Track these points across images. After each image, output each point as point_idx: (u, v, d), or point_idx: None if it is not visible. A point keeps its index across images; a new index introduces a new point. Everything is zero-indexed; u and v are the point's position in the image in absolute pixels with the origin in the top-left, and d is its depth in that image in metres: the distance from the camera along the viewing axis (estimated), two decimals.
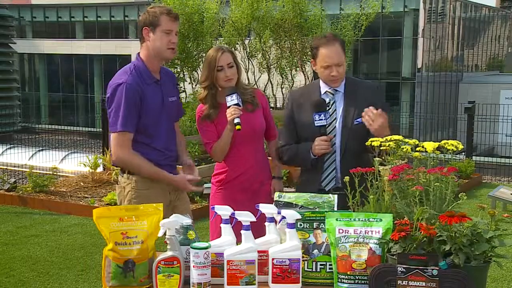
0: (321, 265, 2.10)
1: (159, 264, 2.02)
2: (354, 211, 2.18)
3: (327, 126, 3.03)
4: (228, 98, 3.16)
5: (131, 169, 3.08)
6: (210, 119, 3.30)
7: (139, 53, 3.12)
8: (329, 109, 3.08)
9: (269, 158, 3.52)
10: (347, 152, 3.00)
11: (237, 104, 3.14)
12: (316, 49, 3.07)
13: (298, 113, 3.16)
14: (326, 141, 3.01)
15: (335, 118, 3.07)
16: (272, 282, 2.02)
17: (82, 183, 8.23)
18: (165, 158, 3.14)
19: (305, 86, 3.23)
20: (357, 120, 2.99)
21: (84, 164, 8.44)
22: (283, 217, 2.06)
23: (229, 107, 3.15)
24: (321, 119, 3.00)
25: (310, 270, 2.10)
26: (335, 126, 3.07)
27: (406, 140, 2.34)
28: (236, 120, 3.12)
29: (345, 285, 1.98)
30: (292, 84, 10.77)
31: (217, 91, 3.29)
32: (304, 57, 10.46)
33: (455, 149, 2.24)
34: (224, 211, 2.12)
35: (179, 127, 3.45)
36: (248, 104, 3.30)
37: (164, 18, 3.01)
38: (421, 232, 1.91)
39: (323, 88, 3.13)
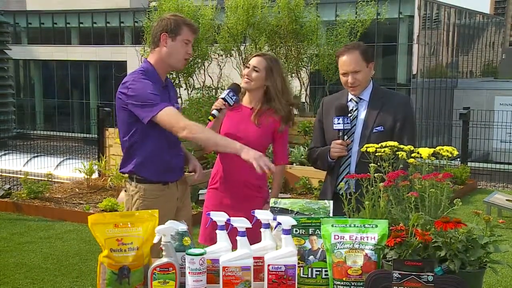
0: (316, 271, 2.10)
1: (154, 271, 2.01)
2: (349, 217, 2.18)
3: (345, 130, 3.09)
4: (224, 91, 3.26)
5: (201, 139, 2.91)
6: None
7: (146, 58, 3.13)
8: (350, 116, 3.14)
9: (270, 167, 3.50)
10: (363, 158, 3.03)
11: (223, 99, 3.21)
12: (338, 57, 3.18)
13: (326, 117, 3.25)
14: (341, 145, 3.08)
15: (355, 125, 3.14)
16: None
17: (77, 190, 8.21)
18: (176, 158, 3.13)
19: (337, 92, 3.30)
20: (377, 128, 3.08)
21: (80, 170, 8.42)
22: (279, 223, 2.06)
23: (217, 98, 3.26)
24: (339, 123, 3.08)
25: (306, 276, 2.10)
26: (353, 132, 3.13)
27: (402, 146, 2.34)
28: (214, 112, 3.19)
29: None
30: None
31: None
32: (300, 63, 10.48)
33: (450, 155, 2.24)
34: (219, 217, 2.12)
35: None
36: (255, 117, 3.33)
37: (186, 28, 3.04)
38: (416, 238, 1.91)
39: (350, 95, 3.21)
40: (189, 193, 3.36)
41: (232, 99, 3.22)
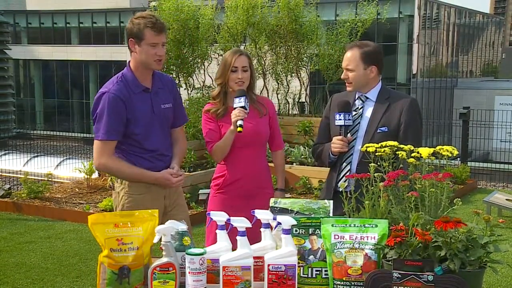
0: (316, 271, 2.10)
1: (154, 270, 2.01)
2: (349, 217, 2.18)
3: (347, 127, 3.11)
4: (236, 100, 3.21)
5: (113, 174, 3.13)
6: (217, 116, 3.33)
7: (129, 61, 3.13)
8: (355, 114, 3.16)
9: (271, 164, 3.51)
10: (365, 157, 3.03)
11: (243, 107, 3.18)
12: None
13: (332, 114, 3.27)
14: (341, 141, 3.09)
15: (359, 123, 3.15)
16: None
17: (77, 189, 8.21)
18: (158, 165, 3.12)
19: (346, 91, 3.30)
20: (381, 128, 3.08)
21: (79, 170, 8.42)
22: (279, 223, 2.06)
23: (235, 108, 3.19)
24: (340, 119, 3.09)
25: (306, 276, 2.10)
26: (357, 131, 3.14)
27: (402, 146, 2.34)
28: (239, 122, 3.15)
29: None
30: (288, 90, 10.78)
31: (227, 92, 3.34)
32: (300, 63, 10.48)
33: (450, 154, 2.24)
34: (219, 217, 2.12)
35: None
36: (254, 110, 3.33)
37: (148, 32, 2.97)
38: (416, 238, 1.91)
39: (358, 93, 3.22)
40: (181, 194, 3.35)
41: (247, 105, 3.22)
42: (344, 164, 3.16)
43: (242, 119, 3.15)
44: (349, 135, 3.12)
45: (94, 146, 3.06)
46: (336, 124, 3.13)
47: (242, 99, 3.18)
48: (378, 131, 3.07)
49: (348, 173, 3.12)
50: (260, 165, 3.41)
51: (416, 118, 3.17)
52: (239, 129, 3.15)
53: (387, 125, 3.09)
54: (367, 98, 3.18)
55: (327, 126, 3.31)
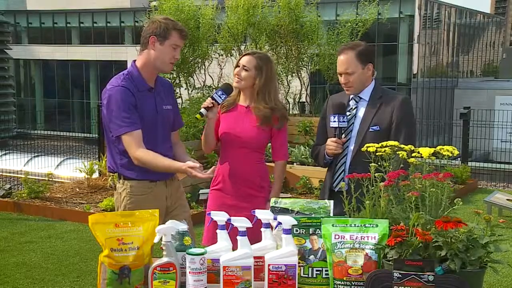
0: (317, 271, 2.10)
1: (155, 270, 2.01)
2: (350, 217, 2.18)
3: (341, 128, 3.11)
4: (214, 91, 3.28)
5: (149, 166, 3.03)
6: (222, 109, 3.37)
7: (134, 60, 3.13)
8: (349, 115, 3.16)
9: (269, 163, 3.51)
10: (358, 156, 3.03)
11: (212, 97, 3.21)
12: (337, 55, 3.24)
13: (328, 115, 3.27)
14: (335, 143, 3.10)
15: (352, 123, 3.16)
16: None
17: (77, 189, 8.21)
18: None
19: (343, 91, 3.29)
20: (373, 127, 3.09)
21: (80, 170, 8.42)
22: (279, 223, 2.06)
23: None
24: (334, 121, 3.10)
25: (306, 276, 2.10)
26: (351, 131, 3.15)
27: (402, 146, 2.34)
28: (201, 110, 3.21)
29: None
30: (288, 90, 10.78)
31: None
32: (300, 63, 10.48)
33: (450, 154, 2.24)
34: (220, 216, 2.12)
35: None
36: (252, 115, 3.33)
37: (175, 33, 3.04)
38: (417, 238, 1.91)
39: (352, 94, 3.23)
40: (182, 194, 3.35)
41: (220, 97, 3.22)
42: (339, 164, 3.17)
43: (206, 108, 3.19)
44: (343, 136, 3.13)
45: (124, 143, 2.99)
46: (330, 126, 3.13)
47: (218, 91, 3.23)
48: (370, 130, 3.09)
49: (342, 173, 3.15)
50: (249, 168, 3.34)
51: (408, 115, 3.16)
52: (197, 115, 3.23)
53: (379, 124, 3.10)
54: (360, 98, 3.19)
55: (324, 127, 3.32)
